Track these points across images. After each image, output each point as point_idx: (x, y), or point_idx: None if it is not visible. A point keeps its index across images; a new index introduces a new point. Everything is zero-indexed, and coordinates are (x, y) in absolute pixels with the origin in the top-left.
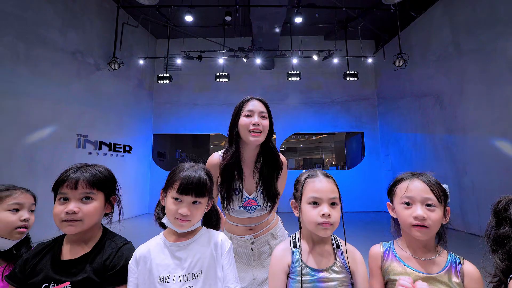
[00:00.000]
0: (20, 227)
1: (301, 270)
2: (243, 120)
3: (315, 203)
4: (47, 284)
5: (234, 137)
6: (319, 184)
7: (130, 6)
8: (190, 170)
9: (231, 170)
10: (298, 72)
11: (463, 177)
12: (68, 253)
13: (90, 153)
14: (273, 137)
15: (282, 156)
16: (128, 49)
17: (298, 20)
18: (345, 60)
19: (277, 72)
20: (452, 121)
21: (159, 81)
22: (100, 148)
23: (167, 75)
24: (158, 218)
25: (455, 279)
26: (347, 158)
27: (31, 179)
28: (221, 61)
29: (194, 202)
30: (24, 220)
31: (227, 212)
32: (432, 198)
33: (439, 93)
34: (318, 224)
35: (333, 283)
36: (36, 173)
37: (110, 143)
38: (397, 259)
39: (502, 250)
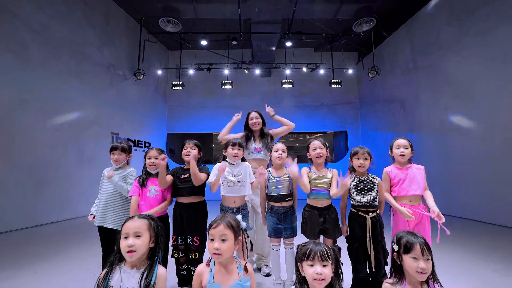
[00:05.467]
0: (150, 165)
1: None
2: (249, 120)
3: (279, 158)
4: (179, 176)
5: (248, 127)
6: (275, 152)
7: (158, 32)
8: (235, 139)
9: (247, 137)
10: (291, 80)
11: None
12: (187, 168)
13: None
14: (266, 126)
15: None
16: (147, 60)
17: (289, 44)
18: (331, 70)
19: (273, 80)
20: (411, 122)
21: (173, 88)
22: None
23: (180, 82)
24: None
25: (329, 175)
26: (334, 153)
27: (80, 167)
28: (226, 71)
29: (238, 149)
30: (151, 162)
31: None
32: (321, 146)
33: (403, 100)
34: (276, 157)
35: (284, 180)
36: (83, 162)
37: (135, 140)
38: (311, 170)
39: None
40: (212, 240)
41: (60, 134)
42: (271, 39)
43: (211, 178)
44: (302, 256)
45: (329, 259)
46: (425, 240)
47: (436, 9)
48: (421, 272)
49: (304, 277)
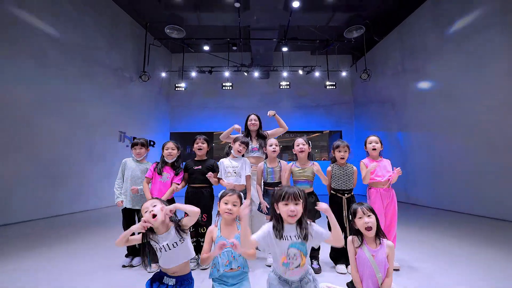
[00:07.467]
0: (168, 155)
1: (266, 167)
2: (248, 121)
3: (274, 151)
4: (192, 167)
5: (247, 128)
6: (270, 146)
7: (163, 37)
8: (245, 138)
9: (247, 137)
10: (288, 82)
11: (406, 162)
12: (198, 160)
13: (127, 146)
14: (262, 129)
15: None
16: (152, 64)
17: (285, 49)
18: (326, 73)
19: (272, 82)
20: (400, 122)
21: (176, 89)
22: None
23: (183, 84)
24: (227, 154)
25: (309, 170)
26: (329, 151)
27: (91, 164)
28: (226, 74)
29: (244, 147)
30: (169, 152)
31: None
32: (304, 142)
33: (393, 101)
34: (271, 151)
35: (276, 170)
36: (93, 159)
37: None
38: (296, 166)
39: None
40: (226, 203)
41: (73, 132)
42: (269, 44)
43: (226, 183)
44: (278, 197)
45: (300, 199)
46: (367, 204)
47: (421, 17)
48: (367, 229)
49: (279, 214)
